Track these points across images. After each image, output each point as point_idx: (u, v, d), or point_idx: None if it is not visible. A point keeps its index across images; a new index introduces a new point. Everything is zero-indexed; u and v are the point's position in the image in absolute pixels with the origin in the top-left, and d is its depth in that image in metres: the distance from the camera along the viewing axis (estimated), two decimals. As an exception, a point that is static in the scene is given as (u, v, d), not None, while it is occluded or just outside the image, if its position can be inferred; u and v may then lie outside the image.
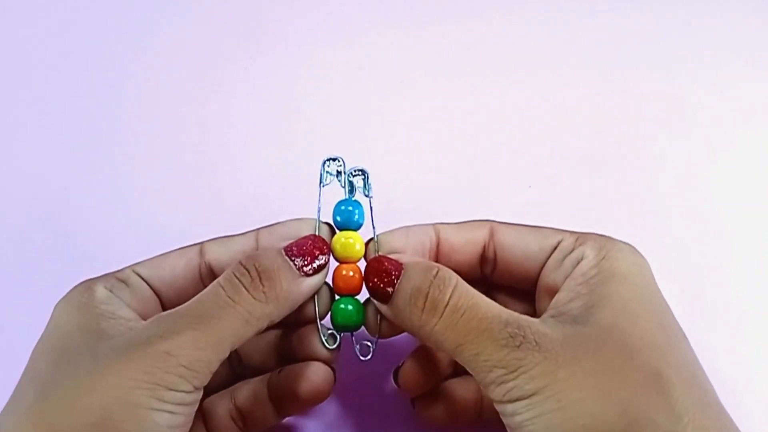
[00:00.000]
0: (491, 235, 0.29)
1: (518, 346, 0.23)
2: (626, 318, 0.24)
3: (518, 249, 0.29)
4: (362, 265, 0.28)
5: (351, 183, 0.28)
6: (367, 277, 0.27)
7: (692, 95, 0.43)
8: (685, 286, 0.36)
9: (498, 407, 0.24)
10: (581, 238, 0.27)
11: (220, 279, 0.25)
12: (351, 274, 0.27)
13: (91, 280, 0.28)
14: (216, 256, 0.28)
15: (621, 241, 0.27)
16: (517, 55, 0.45)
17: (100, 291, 0.26)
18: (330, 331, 0.28)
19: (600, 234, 0.28)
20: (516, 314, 0.24)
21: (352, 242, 0.27)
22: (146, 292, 0.28)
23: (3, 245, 0.39)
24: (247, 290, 0.24)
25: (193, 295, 0.26)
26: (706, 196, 0.40)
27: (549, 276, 0.28)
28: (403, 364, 0.30)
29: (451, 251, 0.29)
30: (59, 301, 0.27)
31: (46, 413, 0.22)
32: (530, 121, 0.43)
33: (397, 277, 0.26)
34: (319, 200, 0.28)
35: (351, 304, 0.27)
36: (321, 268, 0.26)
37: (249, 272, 0.25)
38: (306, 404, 0.29)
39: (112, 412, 0.22)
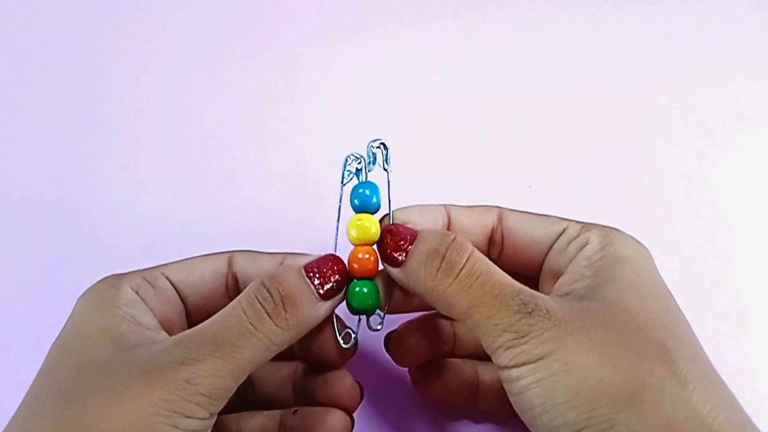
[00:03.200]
0: (499, 219, 0.30)
1: (530, 313, 0.23)
2: (632, 296, 0.25)
3: (525, 234, 0.29)
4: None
5: (373, 154, 0.28)
6: (381, 243, 0.27)
7: (693, 94, 0.44)
8: (686, 285, 0.36)
9: (502, 374, 0.24)
10: (586, 226, 0.28)
11: (242, 302, 0.25)
12: (366, 256, 0.27)
13: (117, 276, 0.27)
14: (243, 269, 0.28)
15: (624, 233, 0.28)
16: (517, 55, 0.45)
17: (126, 291, 0.26)
18: (346, 330, 0.28)
19: (604, 225, 0.28)
20: (528, 288, 0.25)
21: (368, 225, 0.27)
22: (171, 295, 0.28)
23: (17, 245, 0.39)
24: (270, 317, 0.24)
25: (218, 305, 0.26)
26: (707, 197, 0.41)
27: (554, 260, 0.28)
28: (394, 331, 0.30)
29: (461, 232, 0.29)
30: (82, 296, 0.27)
31: (68, 430, 0.22)
32: (530, 120, 0.43)
33: (412, 242, 0.26)
34: (341, 199, 0.28)
35: (367, 287, 0.27)
36: (338, 289, 0.26)
37: (272, 296, 0.24)
38: None
39: None
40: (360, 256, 0.27)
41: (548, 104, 0.43)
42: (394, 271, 0.27)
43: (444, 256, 0.25)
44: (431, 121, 0.43)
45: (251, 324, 0.24)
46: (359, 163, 0.28)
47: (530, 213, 0.30)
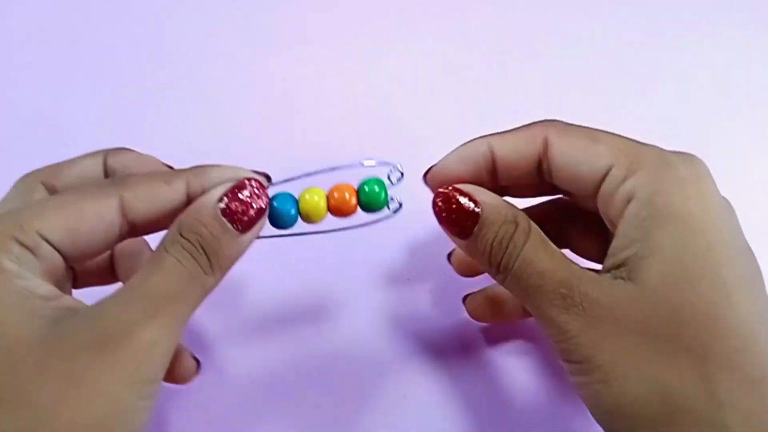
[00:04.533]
0: (544, 147, 0.26)
1: (567, 309, 0.23)
2: (676, 279, 0.22)
3: (569, 168, 0.26)
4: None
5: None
6: (441, 211, 0.26)
7: (696, 90, 0.44)
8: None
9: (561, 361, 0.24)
10: (634, 163, 0.24)
11: (173, 251, 0.23)
12: (347, 196, 0.27)
13: None
14: (140, 214, 0.24)
15: (681, 161, 0.24)
16: (517, 54, 0.46)
17: (5, 263, 0.21)
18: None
19: (657, 151, 0.25)
20: (572, 270, 0.24)
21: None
22: (57, 260, 0.23)
23: None
24: (198, 263, 0.23)
25: (104, 250, 0.25)
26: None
27: (605, 209, 0.26)
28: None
29: (507, 168, 0.27)
30: None
31: (24, 430, 0.19)
32: (530, 120, 0.43)
33: (474, 223, 0.25)
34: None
35: (377, 185, 0.27)
36: (259, 216, 0.25)
37: (193, 245, 0.23)
38: None
39: (100, 423, 0.20)
40: (337, 195, 0.27)
41: (548, 104, 0.43)
42: (458, 242, 0.26)
43: (505, 252, 0.24)
44: (431, 121, 0.43)
45: (190, 273, 0.23)
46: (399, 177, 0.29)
47: (579, 133, 0.26)
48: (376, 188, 0.27)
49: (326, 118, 0.43)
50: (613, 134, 0.26)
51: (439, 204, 0.26)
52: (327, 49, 0.46)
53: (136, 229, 0.25)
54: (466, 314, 0.33)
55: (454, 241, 0.27)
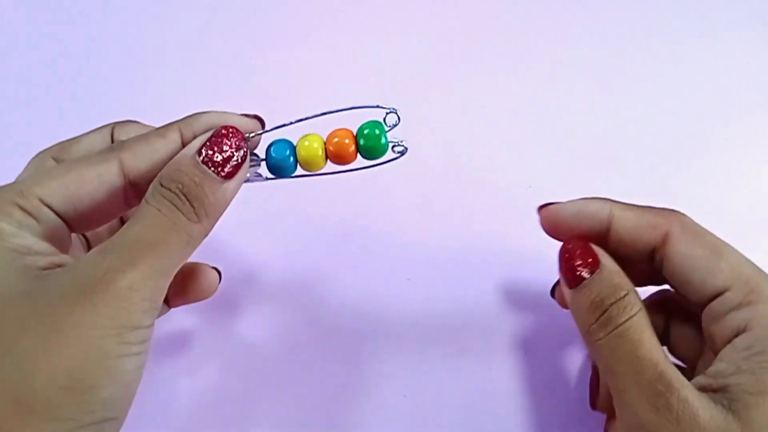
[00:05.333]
0: (665, 238, 0.26)
1: (658, 410, 0.22)
2: None
3: (684, 273, 0.26)
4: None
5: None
6: (564, 255, 0.27)
7: (698, 92, 0.44)
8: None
9: None
10: (753, 293, 0.24)
11: (152, 201, 0.23)
12: (346, 141, 0.26)
13: None
14: (139, 171, 0.25)
15: None
16: (516, 54, 0.46)
17: (4, 226, 0.22)
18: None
19: None
20: (672, 370, 0.23)
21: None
22: (59, 226, 0.24)
23: None
24: (181, 212, 0.23)
25: (112, 215, 0.25)
26: (714, 197, 0.40)
27: (710, 324, 0.26)
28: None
29: (621, 241, 0.27)
30: None
31: (5, 382, 0.19)
32: (530, 120, 0.43)
33: (591, 272, 0.26)
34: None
35: (377, 128, 0.26)
36: (242, 162, 0.24)
37: (176, 194, 0.23)
38: None
39: (82, 370, 0.20)
40: (336, 141, 0.26)
41: (548, 104, 0.44)
42: (566, 291, 0.27)
43: (606, 311, 0.24)
44: (430, 120, 0.43)
45: (170, 220, 0.23)
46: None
47: (704, 240, 0.26)
48: (377, 131, 0.26)
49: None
50: (737, 252, 0.26)
51: (569, 247, 0.27)
52: (326, 47, 0.46)
53: (139, 189, 0.25)
54: (466, 314, 0.32)
55: (563, 289, 0.27)
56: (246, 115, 0.26)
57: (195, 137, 0.25)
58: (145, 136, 0.25)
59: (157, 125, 0.28)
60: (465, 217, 0.40)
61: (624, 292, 0.25)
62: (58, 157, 0.27)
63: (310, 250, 0.38)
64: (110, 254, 0.21)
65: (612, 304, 0.24)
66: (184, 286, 0.30)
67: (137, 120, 0.29)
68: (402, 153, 0.27)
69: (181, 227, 0.23)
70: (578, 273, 0.26)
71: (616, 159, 0.42)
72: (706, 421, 0.21)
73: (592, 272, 0.26)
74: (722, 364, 0.24)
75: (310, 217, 0.39)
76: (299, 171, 0.27)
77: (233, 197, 0.25)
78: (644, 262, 0.27)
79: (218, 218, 0.24)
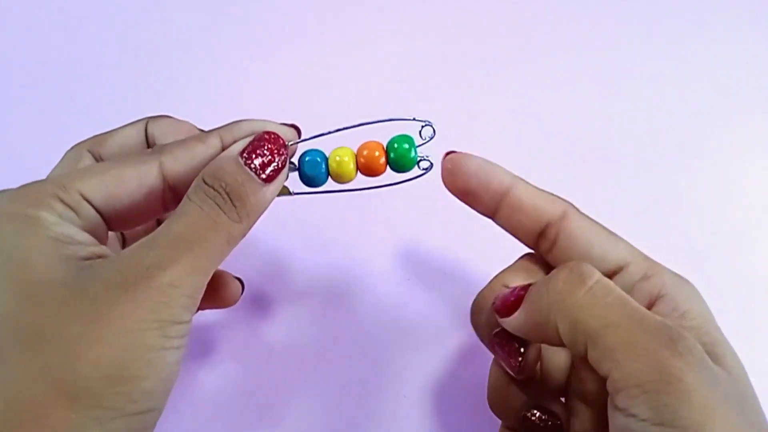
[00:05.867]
0: (562, 216, 0.27)
1: (681, 354, 0.20)
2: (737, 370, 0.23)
3: (582, 246, 0.26)
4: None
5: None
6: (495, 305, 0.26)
7: (699, 91, 0.44)
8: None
9: (618, 418, 0.21)
10: (653, 268, 0.25)
11: (194, 198, 0.23)
12: (376, 153, 0.27)
13: (18, 203, 0.22)
14: (178, 174, 0.25)
15: (690, 283, 0.25)
16: (516, 54, 0.46)
17: (46, 215, 0.22)
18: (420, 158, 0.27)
19: (670, 271, 0.26)
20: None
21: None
22: (98, 222, 0.24)
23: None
24: (223, 210, 0.23)
25: (148, 217, 0.25)
26: (716, 199, 0.40)
27: None
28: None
29: (516, 210, 0.27)
30: None
31: (49, 370, 0.19)
32: (529, 120, 0.43)
33: (517, 303, 0.25)
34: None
35: (407, 142, 0.27)
36: (281, 168, 0.25)
37: (218, 192, 0.23)
38: None
39: (125, 361, 0.20)
40: (366, 153, 0.27)
41: (548, 104, 0.43)
42: (508, 320, 0.25)
43: (571, 268, 0.23)
44: (430, 120, 0.43)
45: (212, 218, 0.23)
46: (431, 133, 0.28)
47: (599, 224, 0.27)
48: (406, 145, 0.27)
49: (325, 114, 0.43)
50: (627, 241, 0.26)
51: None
52: (329, 45, 0.46)
53: (177, 193, 0.25)
54: (466, 314, 0.32)
55: (506, 326, 0.26)
56: (284, 124, 0.27)
57: (235, 142, 0.25)
58: (186, 140, 0.26)
59: (189, 119, 0.29)
60: (465, 217, 0.40)
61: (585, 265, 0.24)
62: (92, 150, 0.27)
63: (309, 250, 0.38)
64: (153, 250, 0.22)
65: (574, 264, 0.23)
66: (207, 293, 0.30)
67: (169, 115, 0.29)
68: (427, 170, 0.28)
69: (222, 226, 0.23)
70: (513, 303, 0.25)
71: (617, 159, 0.42)
72: (711, 363, 0.21)
73: (518, 300, 0.25)
74: None
75: (310, 217, 0.39)
76: (326, 186, 0.28)
77: (271, 202, 0.25)
78: (529, 238, 0.27)
79: (256, 221, 0.25)
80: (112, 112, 0.42)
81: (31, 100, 0.44)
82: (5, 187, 0.23)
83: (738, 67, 0.45)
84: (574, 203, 0.27)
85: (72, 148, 0.28)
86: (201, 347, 0.36)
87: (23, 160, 0.40)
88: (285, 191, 0.27)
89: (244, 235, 0.24)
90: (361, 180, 0.28)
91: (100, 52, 0.46)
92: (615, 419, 0.21)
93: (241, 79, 0.45)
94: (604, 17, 0.47)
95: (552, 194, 0.27)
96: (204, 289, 0.23)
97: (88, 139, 0.28)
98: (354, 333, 0.36)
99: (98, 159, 0.27)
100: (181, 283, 0.21)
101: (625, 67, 0.45)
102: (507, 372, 0.28)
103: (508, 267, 0.29)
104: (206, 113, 0.41)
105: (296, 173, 0.27)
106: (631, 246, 0.26)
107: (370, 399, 0.34)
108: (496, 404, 0.29)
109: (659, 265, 0.25)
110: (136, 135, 0.28)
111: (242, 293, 0.32)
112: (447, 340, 0.36)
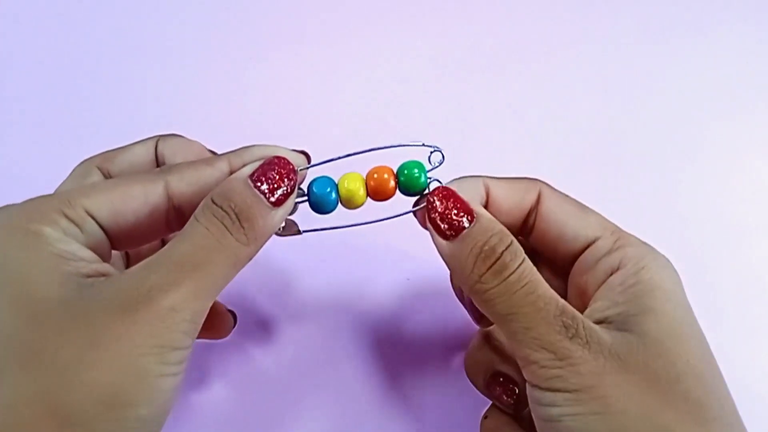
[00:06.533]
0: (538, 199, 0.28)
1: (570, 338, 0.23)
2: (671, 336, 0.24)
3: (555, 227, 0.27)
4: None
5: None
6: (432, 205, 0.26)
7: (699, 95, 0.44)
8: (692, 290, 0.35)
9: (533, 393, 0.23)
10: (621, 240, 0.26)
11: (201, 219, 0.23)
12: (385, 176, 0.27)
13: (22, 217, 0.22)
14: (184, 195, 0.25)
15: (659, 253, 0.26)
16: (515, 53, 0.46)
17: (49, 231, 0.22)
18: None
19: (640, 240, 0.27)
20: (570, 306, 0.24)
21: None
22: (102, 239, 0.24)
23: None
24: (230, 232, 0.23)
25: (153, 237, 0.25)
26: (717, 199, 0.40)
27: (581, 276, 0.27)
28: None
29: (499, 212, 0.27)
30: None
31: (44, 392, 0.19)
32: (528, 119, 0.43)
33: (470, 221, 0.25)
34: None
35: (417, 168, 0.27)
36: (290, 193, 0.25)
37: (227, 213, 0.23)
38: None
39: (121, 386, 0.20)
40: (376, 177, 0.27)
41: (548, 105, 0.44)
42: (441, 242, 0.25)
43: (499, 258, 0.24)
44: (429, 120, 0.43)
45: (217, 240, 0.22)
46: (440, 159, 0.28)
47: (570, 200, 0.28)
48: (416, 171, 0.27)
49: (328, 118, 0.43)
50: (596, 212, 0.28)
51: (435, 201, 0.26)
52: (329, 48, 0.46)
53: (182, 214, 0.25)
54: (466, 314, 0.32)
55: (435, 241, 0.26)
56: (295, 151, 0.26)
57: (245, 166, 0.25)
58: (194, 162, 0.25)
59: (196, 139, 0.29)
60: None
61: (510, 239, 0.24)
62: (101, 166, 0.27)
63: (309, 249, 0.38)
64: (155, 272, 0.21)
65: (504, 251, 0.24)
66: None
67: (179, 134, 0.29)
68: None
69: (229, 248, 0.23)
70: (457, 222, 0.25)
71: (617, 157, 0.42)
72: (610, 342, 0.23)
73: (470, 221, 0.25)
74: (598, 303, 0.25)
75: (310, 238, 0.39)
76: (333, 222, 0.28)
77: (278, 226, 0.25)
78: (516, 232, 0.28)
79: (263, 245, 0.24)
80: (114, 116, 0.43)
81: (33, 110, 0.44)
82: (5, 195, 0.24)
83: (738, 67, 0.45)
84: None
85: (81, 163, 0.28)
86: (194, 370, 0.36)
87: (24, 171, 0.41)
88: (294, 231, 0.27)
89: (250, 259, 0.24)
90: (368, 210, 0.28)
91: (100, 60, 0.46)
92: (529, 392, 0.24)
93: (243, 86, 0.45)
94: (604, 17, 0.47)
95: (522, 179, 0.28)
96: (206, 313, 0.23)
97: (97, 155, 0.28)
98: (353, 334, 0.36)
99: (107, 175, 0.27)
100: (182, 307, 0.21)
101: (625, 67, 0.45)
102: (480, 339, 0.31)
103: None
104: (212, 122, 0.42)
105: (307, 203, 0.27)
106: (603, 219, 0.27)
107: (369, 399, 0.34)
108: (470, 368, 0.31)
109: (628, 237, 0.27)
110: (145, 153, 0.28)
111: (234, 326, 0.32)
112: (448, 339, 0.36)
